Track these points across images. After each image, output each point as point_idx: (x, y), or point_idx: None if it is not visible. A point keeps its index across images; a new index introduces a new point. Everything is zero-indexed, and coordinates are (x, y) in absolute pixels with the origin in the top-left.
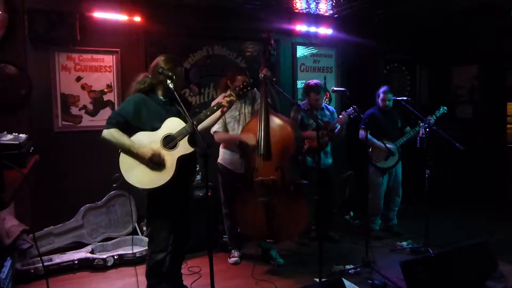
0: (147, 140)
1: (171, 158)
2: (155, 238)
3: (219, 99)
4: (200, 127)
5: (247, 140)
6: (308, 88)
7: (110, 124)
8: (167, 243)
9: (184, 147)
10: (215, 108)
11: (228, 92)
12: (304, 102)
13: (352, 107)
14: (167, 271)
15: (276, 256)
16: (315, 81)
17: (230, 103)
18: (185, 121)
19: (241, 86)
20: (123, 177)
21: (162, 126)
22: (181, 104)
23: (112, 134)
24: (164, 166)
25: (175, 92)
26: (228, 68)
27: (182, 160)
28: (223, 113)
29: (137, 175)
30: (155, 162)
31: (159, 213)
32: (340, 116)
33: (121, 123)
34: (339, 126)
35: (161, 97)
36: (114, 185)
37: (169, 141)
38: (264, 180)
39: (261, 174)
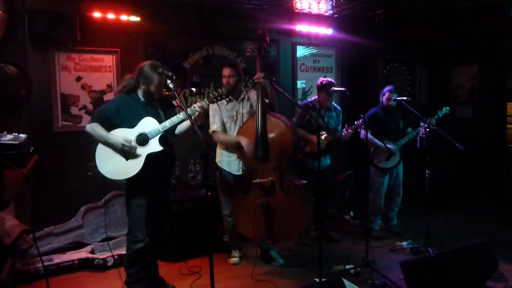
0: (122, 134)
1: (141, 153)
2: (133, 228)
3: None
4: (177, 130)
5: (244, 145)
6: (321, 86)
7: (93, 119)
8: (145, 234)
9: (154, 145)
10: (189, 112)
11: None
12: (314, 98)
13: (361, 119)
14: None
15: (276, 256)
16: (329, 80)
17: (201, 108)
18: (160, 122)
19: (215, 93)
20: (97, 167)
21: (137, 125)
22: (181, 100)
23: (92, 127)
24: (134, 160)
25: (174, 92)
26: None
27: (151, 157)
28: (197, 118)
29: (109, 167)
30: (126, 151)
31: (135, 205)
32: (344, 132)
33: (102, 119)
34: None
35: (142, 98)
36: (89, 173)
37: (142, 139)
38: (262, 181)
39: (259, 176)
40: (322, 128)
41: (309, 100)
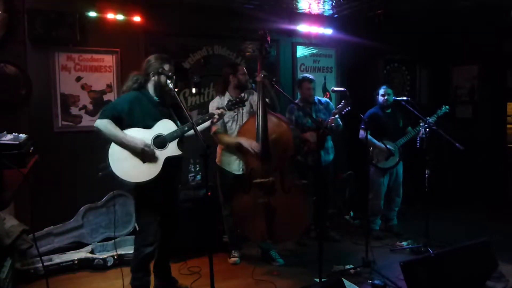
0: (139, 136)
1: (159, 156)
2: (144, 231)
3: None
4: (188, 133)
5: (249, 146)
6: (298, 80)
7: (104, 115)
8: (155, 237)
9: (172, 149)
10: (206, 118)
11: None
12: (297, 100)
13: (342, 102)
14: (155, 265)
15: (276, 257)
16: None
17: (221, 116)
18: (177, 124)
19: (233, 101)
20: (110, 167)
21: (154, 126)
22: (181, 101)
23: (105, 125)
24: (152, 163)
25: (175, 91)
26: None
27: (168, 161)
28: (212, 123)
29: (125, 168)
30: (145, 155)
31: (147, 208)
32: (331, 118)
33: (115, 117)
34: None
35: (155, 97)
36: (100, 173)
37: (160, 141)
38: (263, 181)
39: (260, 175)
40: (314, 121)
41: (293, 103)
